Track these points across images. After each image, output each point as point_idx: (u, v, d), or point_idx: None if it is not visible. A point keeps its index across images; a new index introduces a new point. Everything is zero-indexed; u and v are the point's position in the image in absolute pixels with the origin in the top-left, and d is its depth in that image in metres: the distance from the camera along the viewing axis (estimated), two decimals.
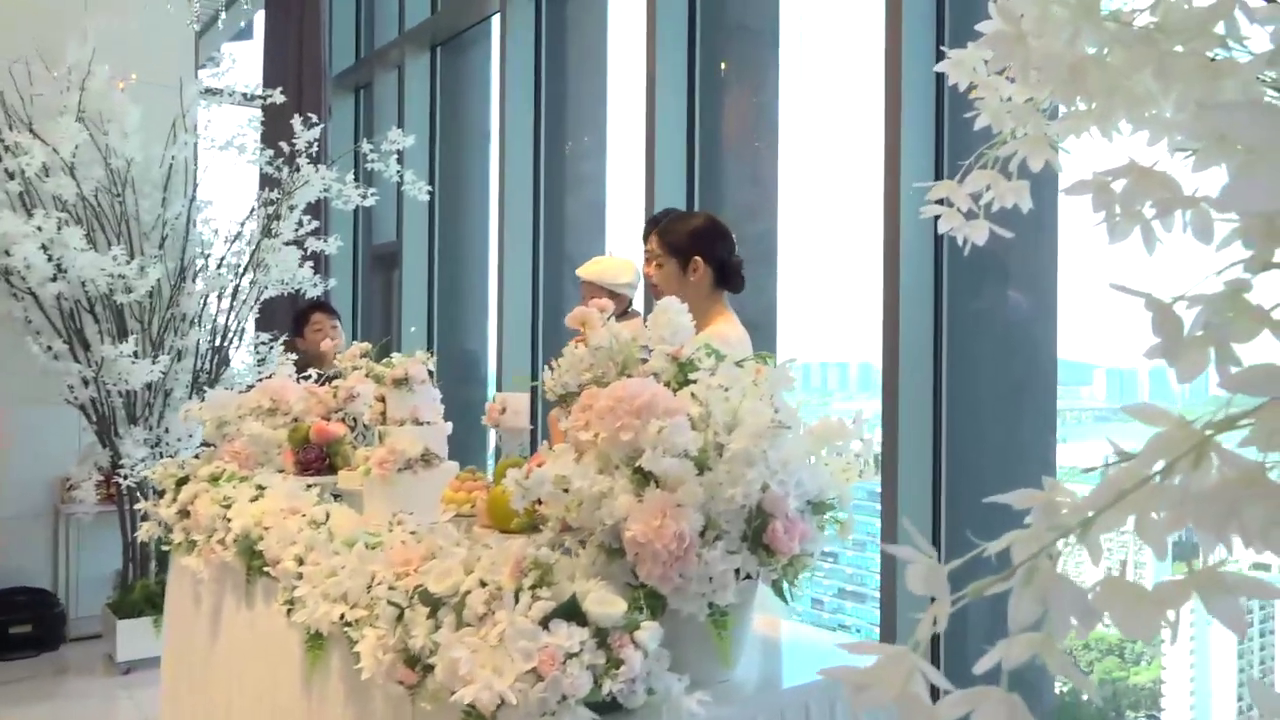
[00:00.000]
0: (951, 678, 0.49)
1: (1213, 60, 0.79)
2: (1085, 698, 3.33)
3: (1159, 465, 0.51)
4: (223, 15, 4.90)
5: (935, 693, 0.51)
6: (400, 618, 1.60)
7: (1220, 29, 0.76)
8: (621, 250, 3.80)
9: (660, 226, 2.53)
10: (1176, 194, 0.70)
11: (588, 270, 3.21)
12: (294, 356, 4.26)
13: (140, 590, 4.69)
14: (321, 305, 4.51)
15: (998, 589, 0.49)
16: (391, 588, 1.66)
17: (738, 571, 1.43)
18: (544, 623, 1.37)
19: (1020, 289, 3.25)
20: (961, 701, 0.46)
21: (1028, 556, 0.48)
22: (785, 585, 1.50)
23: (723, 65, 4.35)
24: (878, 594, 3.53)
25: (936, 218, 1.09)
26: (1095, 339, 3.27)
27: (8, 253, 4.26)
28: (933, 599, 0.50)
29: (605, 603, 1.38)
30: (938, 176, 3.23)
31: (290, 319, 4.82)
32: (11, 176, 4.43)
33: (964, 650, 2.94)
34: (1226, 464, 0.48)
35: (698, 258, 2.43)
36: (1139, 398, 3.45)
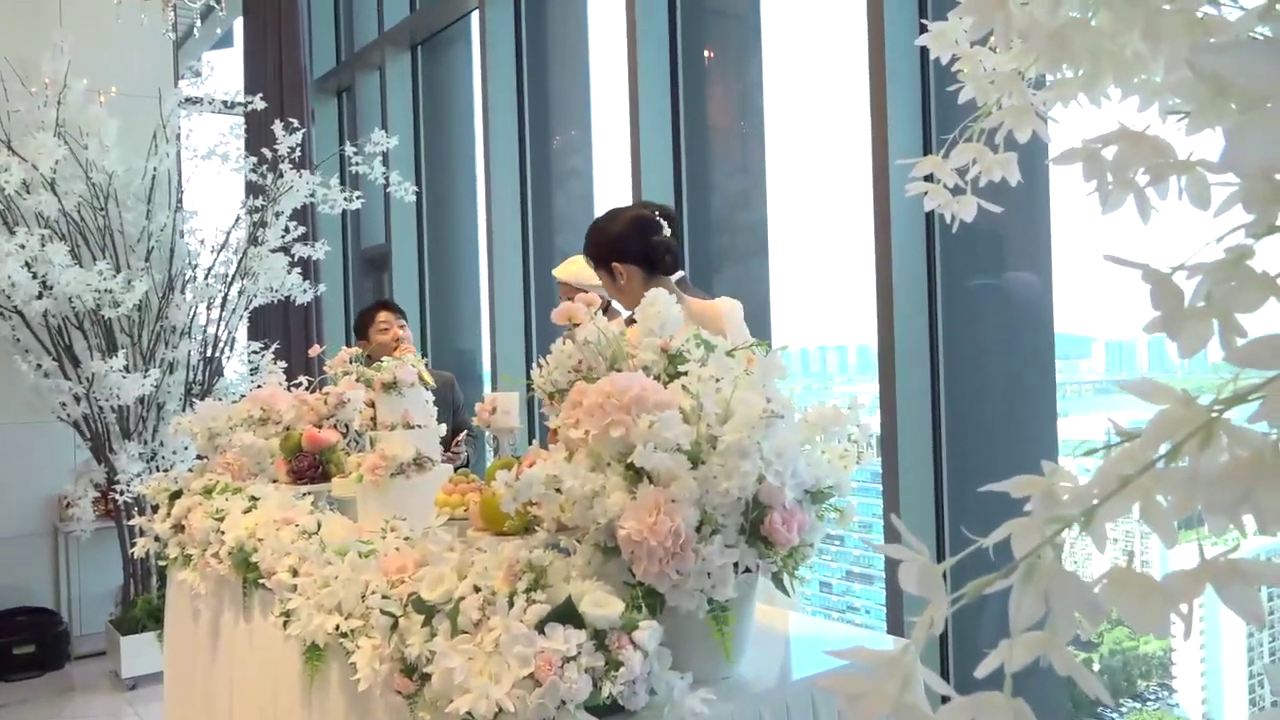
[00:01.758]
0: (964, 680, 0.46)
1: (1202, 18, 0.76)
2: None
3: (1164, 447, 0.48)
4: (198, 24, 4.85)
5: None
6: (395, 627, 1.57)
7: None
8: None
9: (586, 243, 2.49)
10: (1170, 159, 0.67)
11: (564, 271, 3.15)
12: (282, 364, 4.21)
13: (142, 605, 4.66)
14: (387, 304, 4.34)
15: (998, 586, 0.46)
16: (385, 596, 1.63)
17: (736, 565, 1.40)
18: (540, 626, 1.34)
19: (1015, 264, 3.21)
20: (962, 709, 0.43)
21: (1028, 550, 0.45)
22: (786, 577, 1.47)
23: (706, 53, 4.30)
24: (884, 575, 3.52)
25: (924, 194, 1.06)
26: (1093, 311, 3.24)
27: None
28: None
29: (601, 604, 1.35)
30: (926, 154, 3.18)
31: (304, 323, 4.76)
32: None
33: (979, 650, 2.90)
34: (1237, 443, 0.45)
35: (615, 264, 2.39)
36: (1138, 370, 3.42)
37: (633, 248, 2.38)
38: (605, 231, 2.44)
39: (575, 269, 3.10)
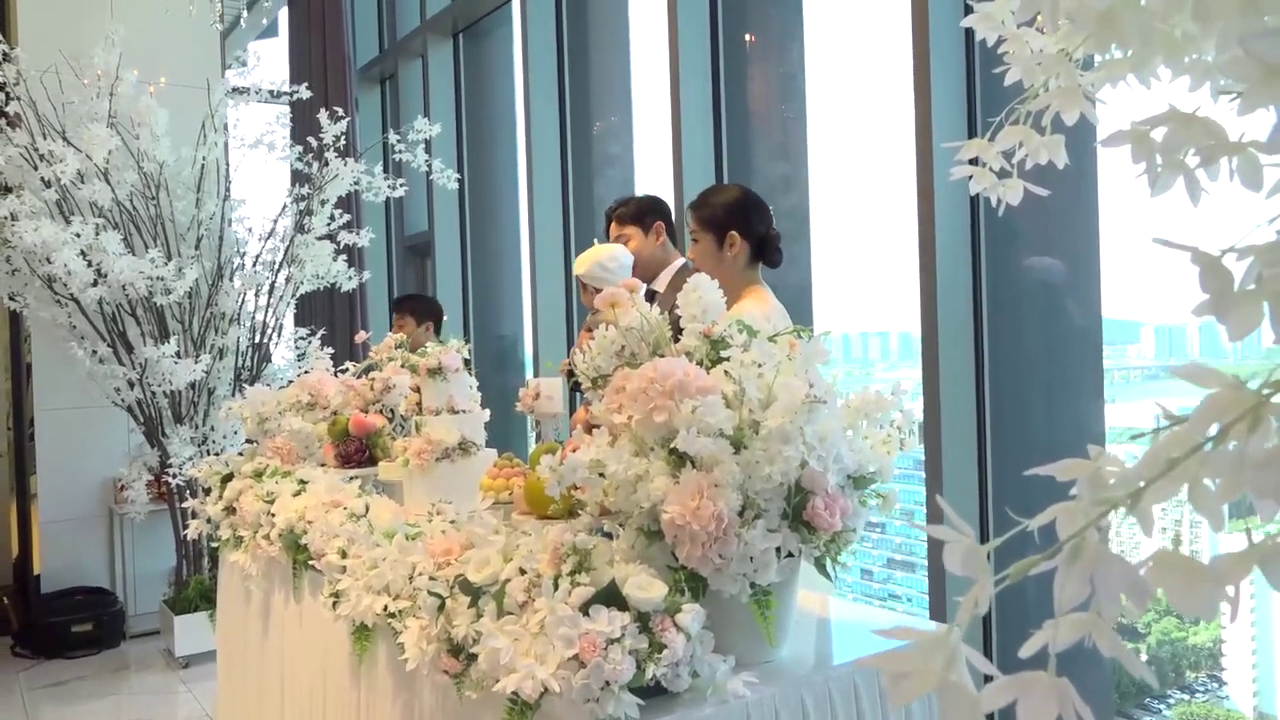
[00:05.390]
0: (1007, 662, 0.47)
1: None
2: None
3: (1212, 430, 0.48)
4: (244, 15, 4.92)
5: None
6: (442, 608, 1.59)
7: None
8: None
9: (694, 200, 2.47)
10: (1221, 140, 0.66)
11: (583, 265, 3.03)
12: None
13: (195, 586, 4.78)
14: (398, 301, 4.35)
15: (1043, 568, 0.46)
16: (432, 578, 1.66)
17: (779, 550, 1.40)
18: (584, 609, 1.35)
19: (1061, 247, 3.16)
20: (1006, 689, 0.43)
21: (1074, 531, 0.45)
22: (829, 562, 1.47)
23: (748, 37, 4.28)
24: (927, 563, 3.49)
25: (969, 178, 1.05)
26: (1142, 295, 3.18)
27: (48, 260, 4.33)
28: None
29: (645, 587, 1.37)
30: (971, 138, 3.13)
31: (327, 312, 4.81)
32: (48, 185, 4.50)
33: (1023, 633, 2.88)
34: None
35: (734, 232, 2.35)
36: (1189, 355, 3.35)
37: (756, 226, 2.37)
38: (725, 194, 2.43)
39: (592, 262, 2.99)
